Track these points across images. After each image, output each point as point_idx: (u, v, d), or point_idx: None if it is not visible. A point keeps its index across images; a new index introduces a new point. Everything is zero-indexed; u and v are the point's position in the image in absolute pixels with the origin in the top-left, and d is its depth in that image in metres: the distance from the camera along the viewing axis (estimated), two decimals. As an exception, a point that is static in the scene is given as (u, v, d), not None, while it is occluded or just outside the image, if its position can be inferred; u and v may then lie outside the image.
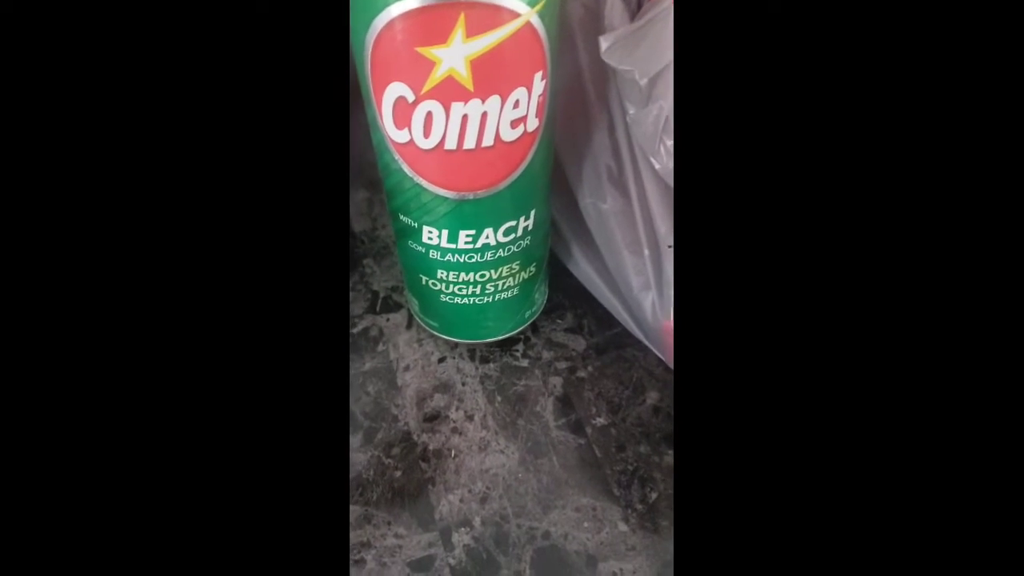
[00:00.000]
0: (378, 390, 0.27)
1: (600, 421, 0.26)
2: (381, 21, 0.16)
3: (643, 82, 0.18)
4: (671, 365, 0.23)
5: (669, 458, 0.25)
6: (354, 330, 0.29)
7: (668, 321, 0.20)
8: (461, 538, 0.23)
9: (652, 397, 0.27)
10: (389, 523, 0.23)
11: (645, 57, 0.18)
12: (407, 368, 0.27)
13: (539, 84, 0.18)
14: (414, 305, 0.28)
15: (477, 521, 0.24)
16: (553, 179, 0.23)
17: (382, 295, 0.30)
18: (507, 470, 0.25)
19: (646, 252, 0.20)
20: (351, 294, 0.30)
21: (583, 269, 0.25)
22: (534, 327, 0.29)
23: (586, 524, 0.24)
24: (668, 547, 0.23)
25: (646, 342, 0.24)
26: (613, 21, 0.21)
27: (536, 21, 0.17)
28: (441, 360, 0.28)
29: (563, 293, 0.29)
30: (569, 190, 0.25)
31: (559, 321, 0.29)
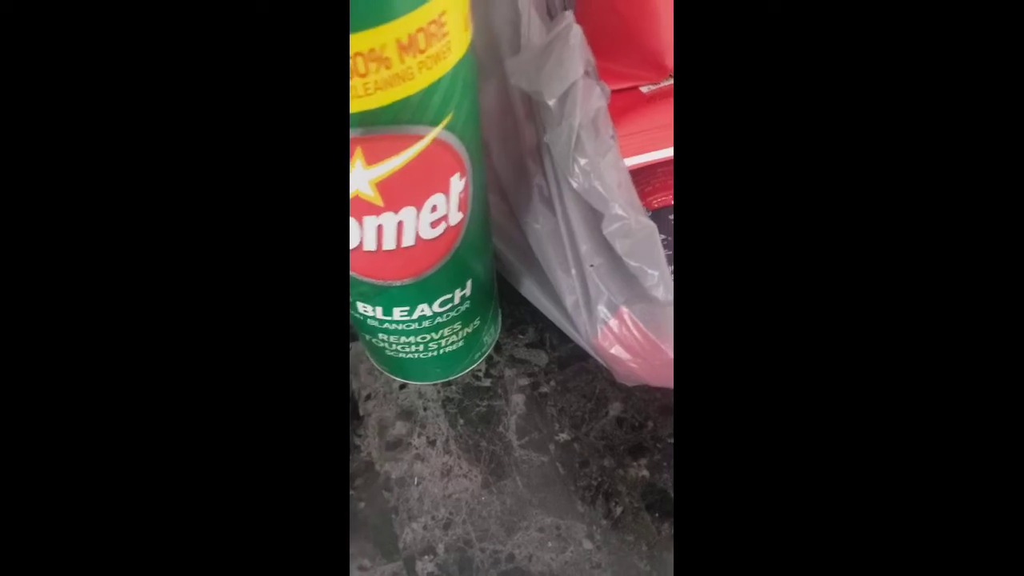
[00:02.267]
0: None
1: (563, 437, 0.26)
2: None
3: (551, 103, 0.18)
4: (618, 379, 0.22)
5: (634, 470, 0.25)
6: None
7: (595, 338, 0.20)
8: (425, 566, 0.23)
9: (615, 408, 0.26)
10: (353, 555, 0.24)
11: (550, 77, 0.18)
12: (368, 397, 0.28)
13: (458, 184, 0.18)
14: (368, 351, 0.28)
15: (441, 548, 0.24)
16: (495, 218, 0.23)
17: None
18: (470, 494, 0.25)
19: (573, 271, 0.19)
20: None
21: (530, 290, 0.25)
22: (497, 345, 0.28)
23: (550, 544, 0.23)
24: (634, 562, 0.23)
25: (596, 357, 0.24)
26: (532, 39, 0.21)
27: (445, 135, 0.17)
28: (403, 387, 0.28)
29: (524, 308, 0.29)
30: (512, 213, 0.24)
31: (521, 337, 0.29)
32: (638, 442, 0.26)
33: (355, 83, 0.14)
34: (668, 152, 0.23)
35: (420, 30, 0.14)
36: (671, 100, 0.23)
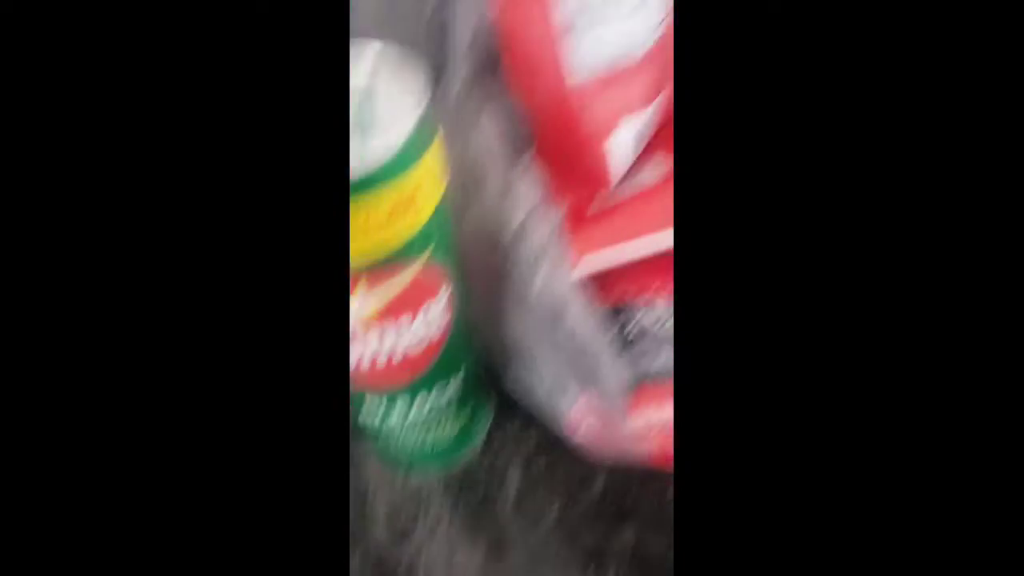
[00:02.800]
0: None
1: (555, 509, 0.29)
2: None
3: (515, 226, 0.22)
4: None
5: (625, 537, 0.27)
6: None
7: (564, 425, 0.23)
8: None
9: (599, 483, 0.29)
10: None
11: (514, 205, 0.22)
12: (376, 489, 0.30)
13: (441, 299, 0.22)
14: (373, 447, 0.31)
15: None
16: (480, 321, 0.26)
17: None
18: (475, 568, 0.27)
19: (544, 365, 0.23)
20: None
21: (514, 384, 0.28)
22: (489, 433, 0.32)
23: (551, 612, 0.26)
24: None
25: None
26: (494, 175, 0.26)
27: (427, 264, 0.21)
28: (405, 479, 0.31)
29: (513, 398, 0.32)
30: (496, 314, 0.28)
31: (508, 425, 0.32)
32: (621, 507, 0.28)
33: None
34: (620, 257, 0.27)
35: (402, 199, 0.18)
36: (618, 213, 0.28)
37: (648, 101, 0.28)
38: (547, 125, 0.28)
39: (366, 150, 0.17)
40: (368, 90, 0.18)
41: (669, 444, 0.23)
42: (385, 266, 0.20)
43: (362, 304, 0.20)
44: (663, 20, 0.27)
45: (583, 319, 0.21)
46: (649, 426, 0.24)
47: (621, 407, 0.22)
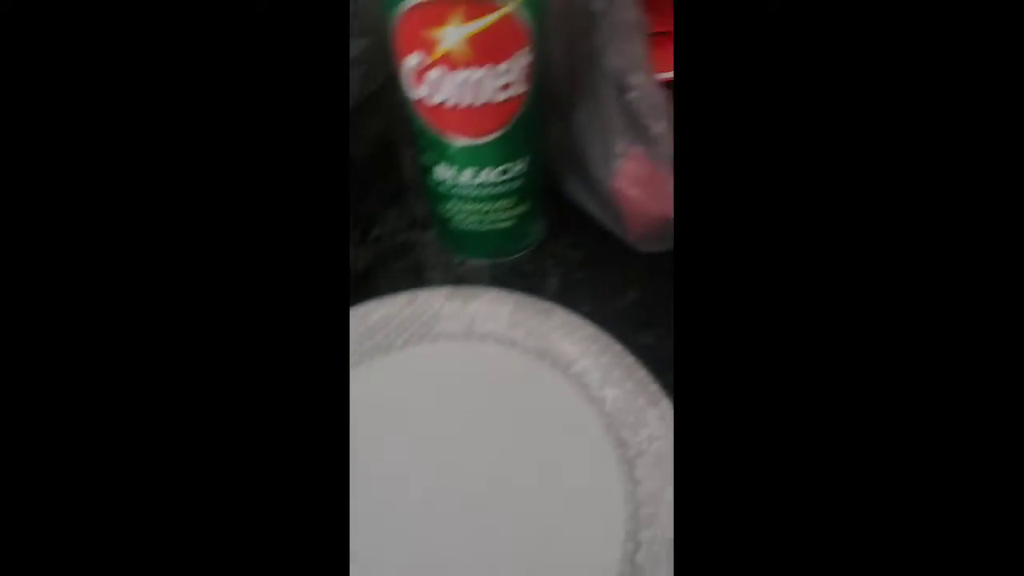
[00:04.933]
0: (408, 284, 0.33)
1: (586, 309, 0.31)
2: (402, 7, 0.23)
3: (598, 6, 0.25)
4: (629, 238, 0.27)
5: (642, 337, 0.30)
6: (395, 240, 0.36)
7: (613, 180, 0.26)
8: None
9: (631, 296, 0.32)
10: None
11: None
12: (432, 268, 0.34)
13: (525, 56, 0.25)
14: (436, 228, 0.34)
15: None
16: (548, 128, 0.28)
17: (420, 219, 0.37)
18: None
19: (600, 125, 0.25)
20: (395, 217, 0.37)
21: (573, 184, 0.31)
22: (540, 244, 0.34)
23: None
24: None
25: (617, 230, 0.29)
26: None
27: (520, 11, 0.23)
28: (460, 263, 0.34)
29: (564, 218, 0.35)
30: (561, 119, 0.31)
31: (562, 239, 0.35)
32: (648, 319, 0.31)
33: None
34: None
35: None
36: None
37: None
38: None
39: None
40: None
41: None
42: (480, 2, 0.22)
43: (454, 35, 0.23)
44: None
45: (645, 86, 0.23)
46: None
47: (667, 162, 0.24)
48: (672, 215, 0.26)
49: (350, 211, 0.37)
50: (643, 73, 0.23)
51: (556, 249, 0.34)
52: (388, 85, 0.46)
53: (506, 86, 0.25)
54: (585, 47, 0.25)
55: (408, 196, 0.38)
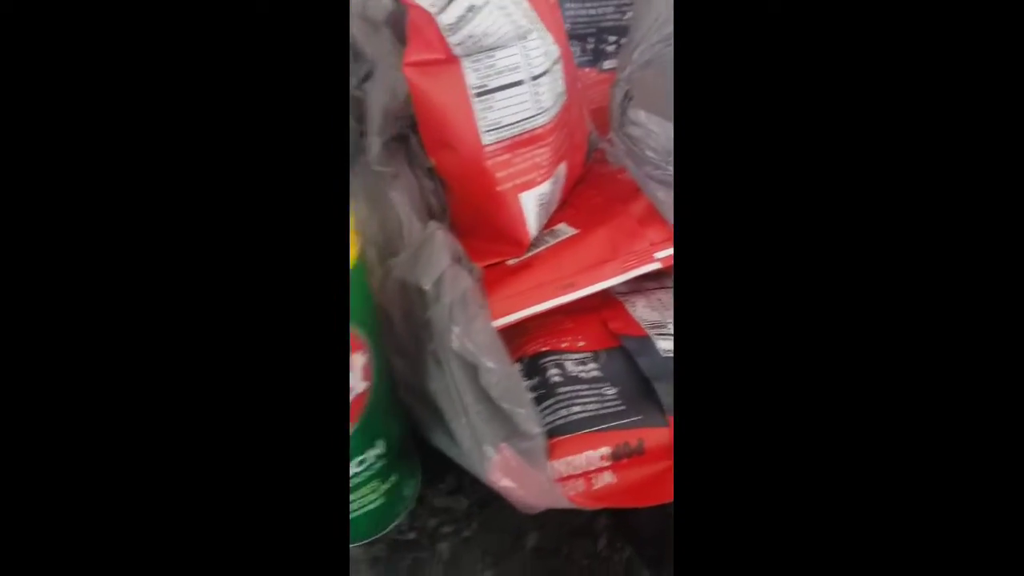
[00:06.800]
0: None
1: (488, 574, 0.28)
2: None
3: (428, 288, 0.23)
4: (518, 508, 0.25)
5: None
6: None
7: (487, 474, 0.24)
8: None
9: (532, 539, 0.29)
10: None
11: (424, 270, 0.23)
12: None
13: (360, 359, 0.23)
14: None
15: None
16: (410, 380, 0.26)
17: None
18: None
19: (463, 420, 0.23)
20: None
21: (441, 440, 0.28)
22: (419, 497, 0.31)
23: None
24: None
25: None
26: (412, 239, 0.26)
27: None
28: (333, 552, 0.29)
29: (441, 458, 0.32)
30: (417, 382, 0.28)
31: (440, 485, 0.31)
32: (555, 568, 0.28)
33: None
34: (536, 308, 0.28)
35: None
36: (533, 268, 0.29)
37: (552, 167, 0.30)
38: (461, 187, 0.29)
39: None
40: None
41: (590, 487, 0.24)
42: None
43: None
44: (564, 91, 0.29)
45: (497, 370, 0.21)
46: (572, 471, 0.24)
47: (541, 456, 0.22)
48: (551, 504, 0.24)
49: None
50: (490, 358, 0.22)
51: (436, 501, 0.31)
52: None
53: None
54: (426, 325, 0.24)
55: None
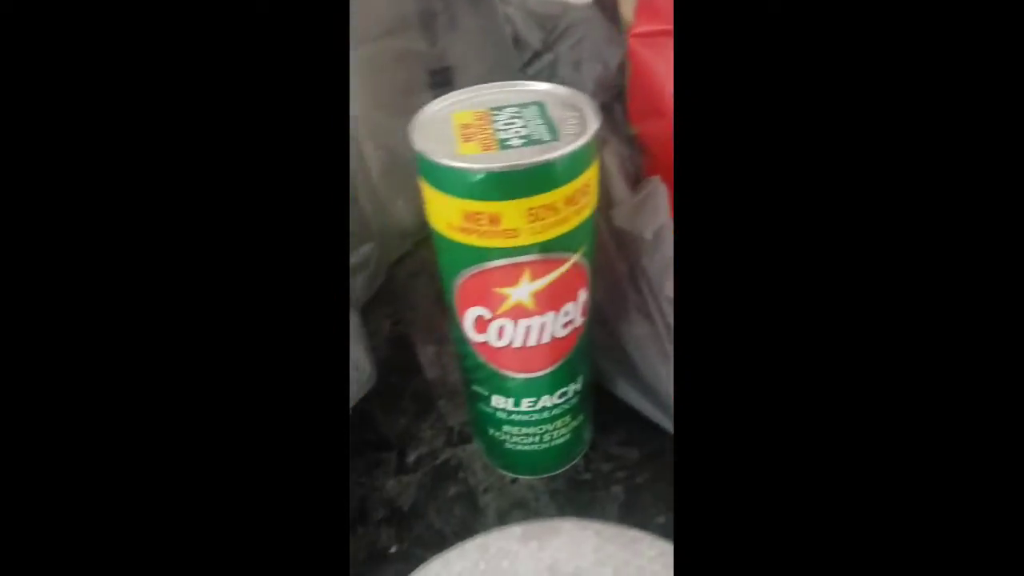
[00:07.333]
0: (463, 513, 0.31)
1: (660, 520, 0.29)
2: (469, 272, 0.23)
3: (649, 236, 0.25)
4: None
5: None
6: (436, 462, 0.33)
7: None
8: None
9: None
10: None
11: (646, 220, 0.25)
12: (486, 490, 0.32)
13: (584, 295, 0.25)
14: (481, 448, 0.32)
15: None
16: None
17: (457, 429, 0.35)
18: (585, 572, 0.28)
19: (672, 363, 0.25)
20: (431, 432, 0.35)
21: (625, 390, 0.30)
22: (593, 444, 0.33)
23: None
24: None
25: (669, 426, 0.29)
26: (618, 195, 0.28)
27: (580, 260, 0.24)
28: (514, 481, 0.32)
29: (609, 415, 0.34)
30: (610, 331, 0.30)
31: (612, 437, 0.33)
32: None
33: (533, 225, 0.21)
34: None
35: (577, 190, 0.21)
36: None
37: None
38: (667, 154, 0.31)
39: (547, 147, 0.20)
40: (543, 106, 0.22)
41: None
42: (549, 256, 0.22)
43: (522, 291, 0.23)
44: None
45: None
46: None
47: None
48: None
49: (379, 432, 0.35)
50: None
51: (608, 449, 0.33)
52: (391, 279, 0.46)
53: (567, 323, 0.25)
54: (641, 273, 0.25)
55: (437, 405, 0.37)
